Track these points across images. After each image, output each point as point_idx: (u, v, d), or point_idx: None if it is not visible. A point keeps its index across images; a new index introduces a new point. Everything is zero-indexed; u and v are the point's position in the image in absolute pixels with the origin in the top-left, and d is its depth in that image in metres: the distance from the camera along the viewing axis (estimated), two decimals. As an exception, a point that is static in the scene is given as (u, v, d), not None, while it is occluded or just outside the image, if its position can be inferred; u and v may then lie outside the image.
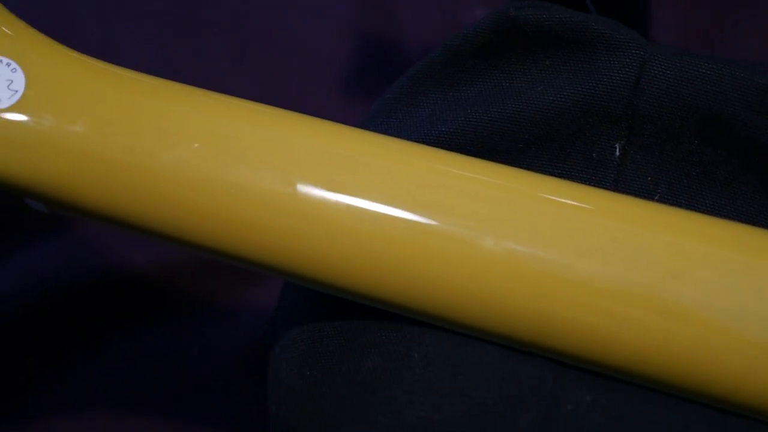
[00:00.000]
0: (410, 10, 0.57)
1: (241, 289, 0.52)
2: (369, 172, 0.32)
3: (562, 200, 0.32)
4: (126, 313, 0.52)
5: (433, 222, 0.31)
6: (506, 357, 0.32)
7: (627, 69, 0.34)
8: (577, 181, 0.35)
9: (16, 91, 0.33)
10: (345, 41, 0.56)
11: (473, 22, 0.35)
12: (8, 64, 0.33)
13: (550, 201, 0.32)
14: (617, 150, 0.35)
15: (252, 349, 0.50)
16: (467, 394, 0.32)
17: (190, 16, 0.57)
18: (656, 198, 0.35)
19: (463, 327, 0.32)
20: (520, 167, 0.34)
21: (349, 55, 0.56)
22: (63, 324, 0.52)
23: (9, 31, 0.33)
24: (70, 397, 0.51)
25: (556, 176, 0.34)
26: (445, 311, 0.31)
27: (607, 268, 0.30)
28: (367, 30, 0.57)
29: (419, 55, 0.58)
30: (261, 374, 0.50)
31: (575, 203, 0.32)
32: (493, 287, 0.31)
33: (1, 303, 0.51)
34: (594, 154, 0.35)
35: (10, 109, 0.33)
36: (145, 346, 0.51)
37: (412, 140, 0.35)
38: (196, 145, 0.33)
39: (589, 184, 0.35)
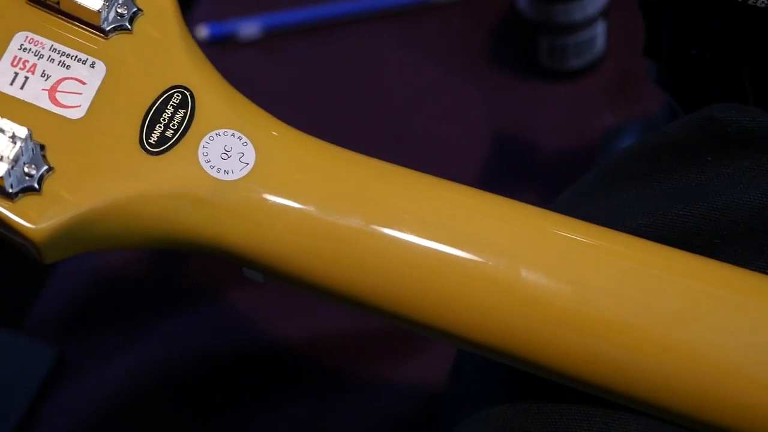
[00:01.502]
0: (542, 114, 0.59)
1: (381, 363, 0.52)
2: (594, 261, 0.32)
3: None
4: (269, 384, 0.52)
5: (662, 318, 0.31)
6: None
7: None
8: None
9: (247, 164, 0.34)
10: (480, 142, 0.57)
11: (673, 122, 0.36)
12: (240, 138, 0.34)
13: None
14: (816, 247, 0.35)
15: (394, 424, 0.50)
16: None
17: (335, 117, 0.58)
18: None
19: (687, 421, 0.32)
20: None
21: (483, 155, 0.57)
22: (207, 392, 0.51)
23: (240, 109, 0.34)
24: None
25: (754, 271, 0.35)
26: (665, 402, 0.31)
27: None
28: (502, 132, 0.58)
29: (550, 156, 0.59)
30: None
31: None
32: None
33: (151, 369, 0.51)
34: (792, 251, 0.35)
35: (241, 181, 0.33)
36: (287, 416, 0.51)
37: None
38: (419, 225, 0.33)
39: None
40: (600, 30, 0.57)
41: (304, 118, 0.65)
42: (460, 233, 0.33)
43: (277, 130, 0.34)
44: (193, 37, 0.64)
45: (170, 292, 0.54)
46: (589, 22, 0.56)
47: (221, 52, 0.62)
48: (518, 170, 0.58)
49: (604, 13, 0.56)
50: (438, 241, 0.33)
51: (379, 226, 0.33)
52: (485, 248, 0.32)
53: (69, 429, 0.54)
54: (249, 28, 0.63)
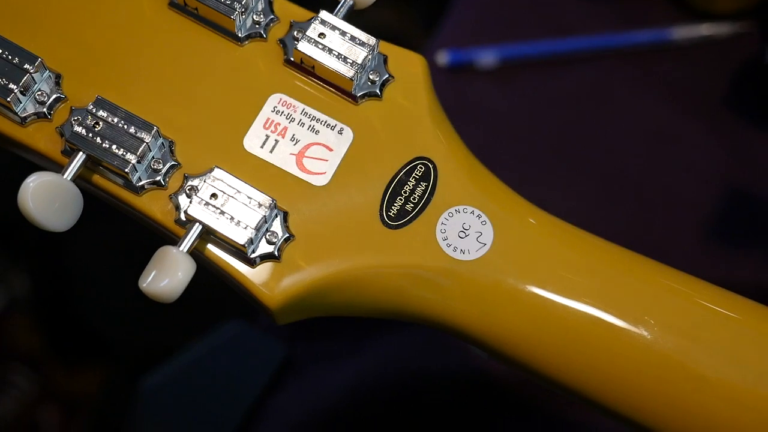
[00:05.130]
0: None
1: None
2: None
3: None
4: (475, 410, 0.48)
5: None
6: None
7: None
8: None
9: (484, 245, 0.29)
10: (711, 193, 0.50)
11: None
12: (479, 216, 0.29)
13: None
14: None
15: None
16: None
17: (561, 150, 0.53)
18: None
19: None
20: None
21: (712, 207, 0.50)
22: (417, 410, 0.48)
23: (482, 185, 0.30)
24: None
25: None
26: None
27: None
28: (735, 184, 0.51)
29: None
30: None
31: None
32: None
33: (367, 380, 0.48)
34: None
35: (476, 262, 0.29)
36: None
37: None
38: (655, 326, 0.28)
39: None
40: None
41: (531, 150, 0.59)
42: (709, 346, 0.27)
43: (517, 209, 0.30)
44: (433, 62, 0.59)
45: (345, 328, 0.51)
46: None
47: (459, 79, 0.57)
48: (749, 226, 0.51)
49: None
50: (681, 350, 0.27)
51: (617, 324, 0.28)
52: (737, 366, 0.27)
53: (288, 424, 0.52)
54: (486, 58, 0.58)
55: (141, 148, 0.27)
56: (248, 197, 0.27)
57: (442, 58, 0.58)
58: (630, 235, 0.49)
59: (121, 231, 0.88)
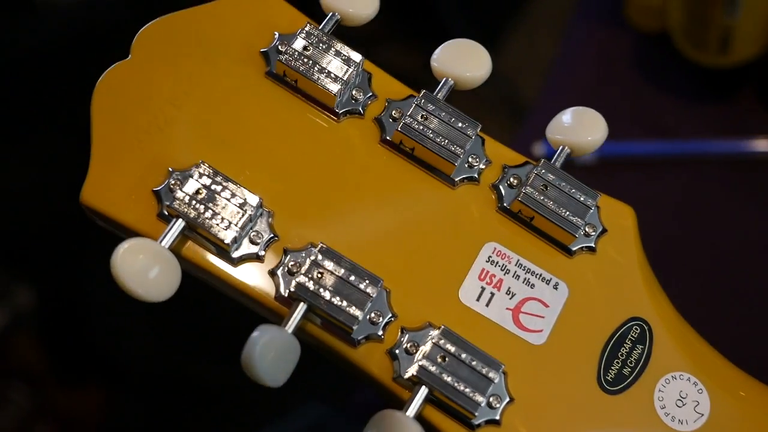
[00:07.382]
0: None
1: None
2: None
3: None
4: None
5: None
6: None
7: None
8: None
9: (702, 415, 0.28)
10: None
11: None
12: (695, 384, 0.28)
13: None
14: None
15: None
16: None
17: (658, 255, 0.51)
18: None
19: None
20: None
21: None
22: None
23: (694, 350, 0.28)
24: None
25: None
26: None
27: None
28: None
29: None
30: None
31: None
32: None
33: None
34: None
35: (695, 434, 0.28)
36: None
37: None
38: None
39: None
40: None
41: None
42: None
43: (730, 377, 0.28)
44: (529, 153, 0.58)
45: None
46: None
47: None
48: None
49: None
50: None
51: None
52: None
53: None
54: (585, 153, 0.57)
55: (367, 303, 0.26)
56: (477, 361, 0.26)
57: (540, 149, 0.57)
58: (738, 351, 0.48)
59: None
